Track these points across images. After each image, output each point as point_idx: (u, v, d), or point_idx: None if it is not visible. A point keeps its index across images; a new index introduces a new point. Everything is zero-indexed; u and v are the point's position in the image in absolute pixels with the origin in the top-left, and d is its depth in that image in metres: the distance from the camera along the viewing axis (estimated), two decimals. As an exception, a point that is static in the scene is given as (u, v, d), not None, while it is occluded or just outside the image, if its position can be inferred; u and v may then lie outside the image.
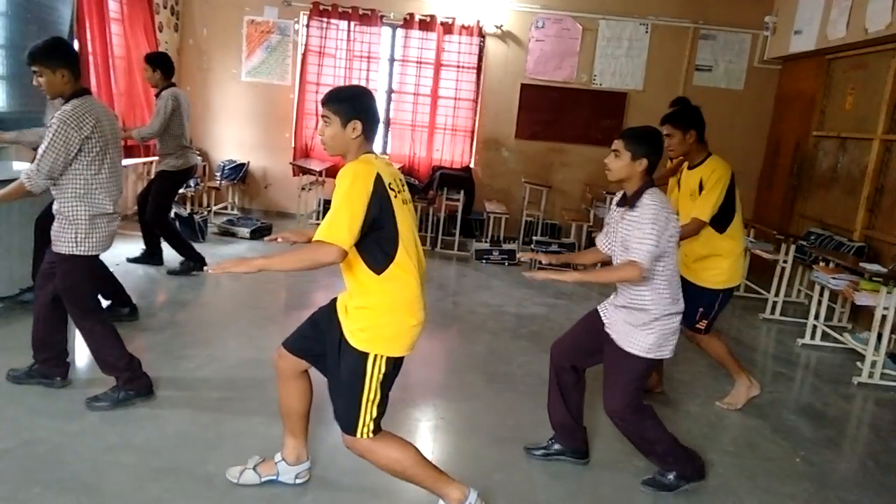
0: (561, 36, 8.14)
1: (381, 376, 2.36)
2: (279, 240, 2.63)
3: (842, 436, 3.93)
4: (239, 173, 8.35)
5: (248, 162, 8.47)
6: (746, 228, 6.95)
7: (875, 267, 4.94)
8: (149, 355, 3.95)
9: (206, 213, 7.73)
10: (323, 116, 2.36)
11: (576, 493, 2.95)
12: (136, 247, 5.83)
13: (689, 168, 3.81)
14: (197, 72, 8.33)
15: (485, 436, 3.37)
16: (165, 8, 7.80)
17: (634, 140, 2.82)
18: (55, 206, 3.16)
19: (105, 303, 4.33)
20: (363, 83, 8.18)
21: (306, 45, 8.16)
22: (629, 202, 2.84)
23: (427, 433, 3.37)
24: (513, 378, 4.13)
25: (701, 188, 3.68)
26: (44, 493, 2.56)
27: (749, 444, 3.62)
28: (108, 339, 3.25)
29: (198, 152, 5.78)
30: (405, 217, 2.34)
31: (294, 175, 8.03)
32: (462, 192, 7.59)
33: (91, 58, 6.16)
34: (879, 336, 4.63)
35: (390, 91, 8.45)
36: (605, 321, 2.98)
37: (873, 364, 4.65)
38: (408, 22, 8.06)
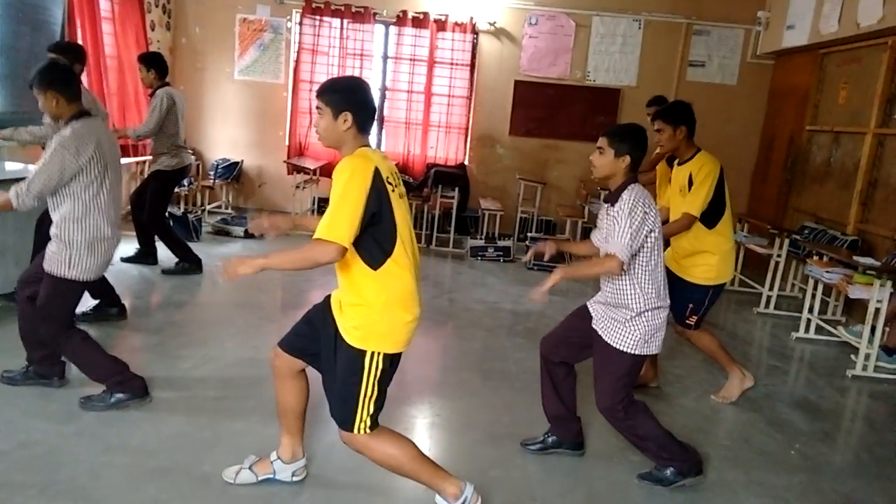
0: (555, 32, 8.14)
1: (378, 373, 2.36)
2: (256, 234, 2.65)
3: (836, 428, 3.95)
4: (233, 172, 8.33)
5: (242, 161, 8.46)
6: (740, 223, 7.00)
7: (868, 260, 4.96)
8: (144, 356, 3.96)
9: (200, 212, 7.72)
10: (317, 107, 2.35)
11: (572, 488, 2.97)
12: (131, 246, 5.81)
13: (679, 164, 3.83)
14: (190, 71, 8.30)
15: (481, 432, 3.38)
16: (157, 6, 7.78)
17: (618, 137, 2.85)
18: (52, 229, 3.11)
19: (93, 302, 4.34)
20: (357, 81, 8.16)
21: (299, 43, 8.14)
22: (611, 198, 2.88)
23: (423, 430, 3.37)
24: (508, 375, 4.14)
25: (690, 184, 3.70)
26: (40, 495, 2.55)
27: (744, 437, 3.64)
28: (85, 350, 3.22)
29: (192, 151, 5.76)
30: (402, 212, 2.34)
31: (288, 173, 8.02)
32: (457, 189, 7.59)
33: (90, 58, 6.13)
34: (873, 329, 4.65)
35: (384, 89, 8.44)
36: (592, 317, 3.00)
37: (867, 357, 4.67)
38: (401, 19, 8.05)
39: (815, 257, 5.41)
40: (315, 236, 2.20)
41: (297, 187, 7.73)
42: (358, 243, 2.26)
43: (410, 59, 8.17)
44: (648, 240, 2.80)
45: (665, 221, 3.70)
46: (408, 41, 8.12)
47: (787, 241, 6.19)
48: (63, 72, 3.18)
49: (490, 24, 8.08)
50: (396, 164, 8.02)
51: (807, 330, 5.45)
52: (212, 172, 8.27)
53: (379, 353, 2.34)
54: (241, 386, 3.66)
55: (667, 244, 3.69)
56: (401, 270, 2.33)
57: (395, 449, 2.45)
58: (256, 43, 8.30)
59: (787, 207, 7.45)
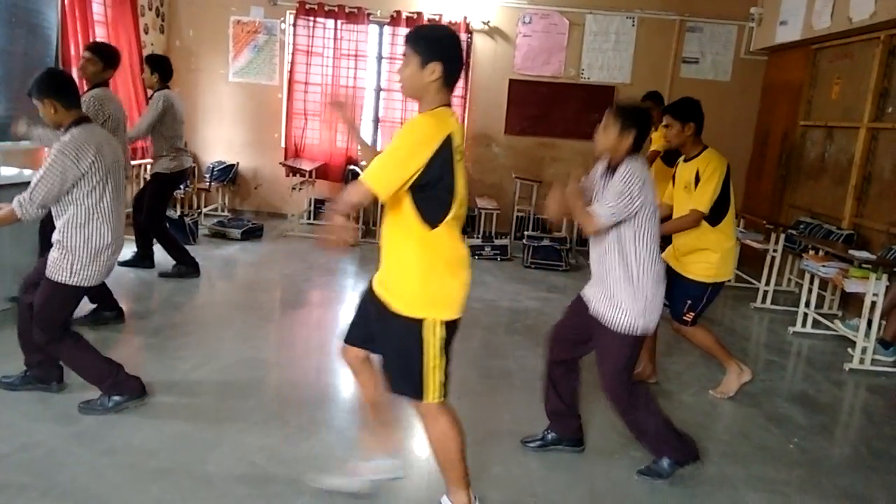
0: (548, 31, 8.16)
1: (438, 340, 2.32)
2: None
3: (834, 422, 3.97)
4: (228, 174, 8.33)
5: (238, 163, 8.45)
6: (737, 219, 7.01)
7: (864, 254, 4.99)
8: (143, 358, 3.96)
9: (196, 215, 7.71)
10: (403, 54, 2.26)
11: (573, 484, 2.98)
12: (129, 250, 5.79)
13: (685, 161, 3.84)
14: (184, 73, 8.27)
15: (481, 430, 3.38)
16: (151, 10, 7.77)
17: (624, 115, 2.85)
18: (55, 235, 3.11)
19: (90, 306, 4.32)
20: (351, 81, 8.18)
21: (294, 44, 8.14)
22: (610, 169, 2.89)
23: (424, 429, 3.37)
24: (508, 373, 4.15)
25: (697, 181, 3.70)
26: (42, 497, 2.55)
27: (743, 432, 3.65)
28: (78, 352, 3.20)
29: (190, 155, 5.76)
30: (462, 181, 2.30)
31: (286, 175, 8.02)
32: (453, 188, 7.57)
33: (74, 62, 6.11)
34: (869, 322, 4.68)
35: (378, 89, 8.44)
36: (588, 304, 3.00)
37: (864, 350, 4.70)
38: (395, 19, 8.06)
39: (811, 252, 5.44)
40: (361, 177, 2.18)
41: (294, 189, 7.73)
42: (418, 202, 2.22)
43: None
44: (642, 212, 2.79)
45: (665, 218, 3.71)
46: (402, 41, 8.08)
47: (782, 237, 6.22)
48: (59, 79, 3.17)
49: (484, 23, 8.09)
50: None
51: (804, 324, 5.47)
52: (207, 175, 8.26)
53: (436, 320, 2.31)
54: (241, 386, 3.66)
55: (667, 242, 3.70)
56: (453, 235, 2.30)
57: (453, 433, 2.44)
58: (250, 45, 8.29)
59: (782, 203, 7.47)
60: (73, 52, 6.08)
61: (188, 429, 3.13)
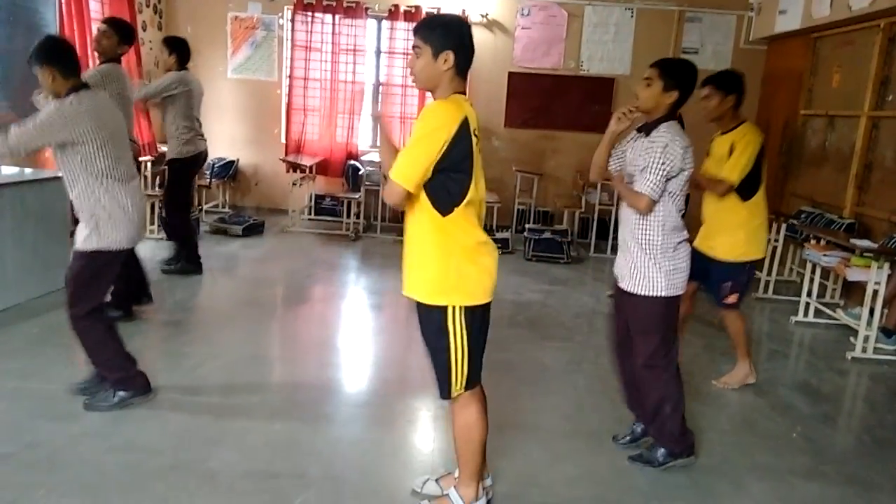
0: (547, 23, 8.13)
1: (461, 328, 2.30)
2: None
3: (837, 410, 3.98)
4: (229, 171, 8.32)
5: (238, 159, 8.45)
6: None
7: (865, 243, 4.98)
8: (147, 354, 3.94)
9: (197, 211, 7.71)
10: (414, 47, 2.26)
11: (576, 474, 2.98)
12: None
13: (721, 134, 3.81)
14: (183, 70, 8.27)
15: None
16: (148, 6, 7.75)
17: (670, 70, 2.80)
18: (76, 208, 3.13)
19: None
20: (350, 76, 8.17)
21: (292, 39, 8.12)
22: (647, 129, 2.84)
23: (428, 423, 3.38)
24: (511, 365, 4.15)
25: (731, 153, 3.68)
26: (48, 495, 2.56)
27: (746, 421, 3.66)
28: (104, 340, 3.21)
29: (204, 138, 5.61)
30: (479, 166, 2.30)
31: (286, 171, 8.02)
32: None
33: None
34: (871, 311, 4.67)
35: (378, 84, 8.42)
36: (618, 280, 3.00)
37: (866, 339, 4.70)
38: (393, 13, 8.04)
39: (813, 241, 5.43)
40: (390, 175, 2.20)
41: (294, 184, 7.72)
42: (430, 186, 2.23)
43: (404, 54, 8.15)
44: (679, 178, 2.78)
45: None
46: (401, 35, 8.09)
47: (784, 226, 6.21)
48: (59, 47, 3.17)
49: (482, 15, 8.07)
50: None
51: (806, 314, 5.47)
52: (208, 172, 8.25)
53: (457, 307, 2.30)
54: (245, 383, 3.67)
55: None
56: (468, 221, 2.29)
57: (476, 425, 2.44)
58: (249, 41, 8.28)
59: (783, 192, 7.46)
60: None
61: (192, 425, 3.14)
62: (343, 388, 3.84)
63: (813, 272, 5.41)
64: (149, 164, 6.91)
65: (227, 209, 8.31)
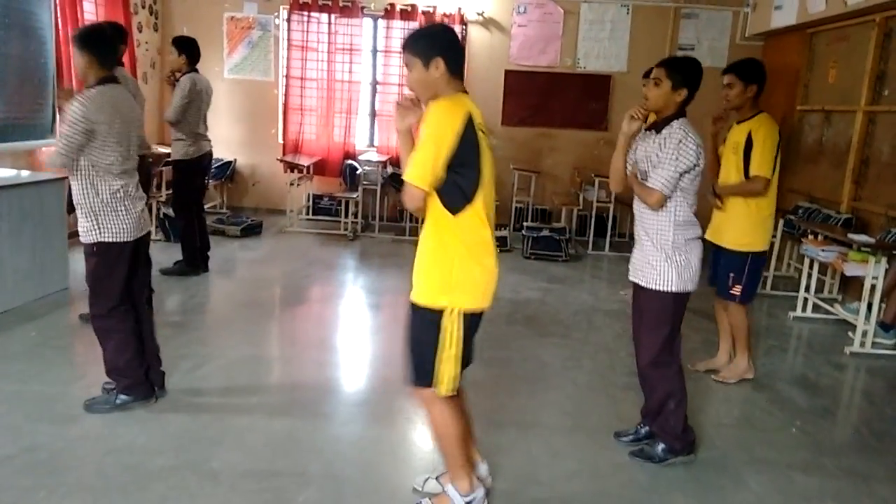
0: (543, 20, 8.13)
1: (455, 330, 2.31)
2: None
3: (836, 405, 3.99)
4: (226, 171, 8.31)
5: (235, 160, 8.44)
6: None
7: (863, 237, 4.99)
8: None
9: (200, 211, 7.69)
10: (405, 64, 2.31)
11: (577, 470, 2.99)
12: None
13: (738, 122, 3.84)
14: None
15: (484, 420, 3.38)
16: (144, 7, 7.74)
17: (677, 69, 2.83)
18: (75, 202, 3.13)
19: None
20: (346, 75, 8.16)
21: (288, 39, 8.11)
22: (658, 126, 2.86)
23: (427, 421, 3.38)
24: (510, 362, 4.16)
25: (748, 144, 3.70)
26: (49, 497, 2.56)
27: (745, 416, 3.67)
28: (120, 340, 3.20)
29: (209, 140, 5.58)
30: (488, 162, 2.32)
31: (283, 171, 8.01)
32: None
33: (68, 63, 6.08)
34: (869, 305, 4.69)
35: (374, 83, 8.42)
36: (630, 276, 3.02)
37: (864, 334, 4.71)
38: (389, 12, 8.03)
39: (811, 236, 5.44)
40: (404, 177, 2.23)
41: (292, 184, 7.72)
42: (440, 187, 2.24)
43: (400, 53, 8.13)
44: (691, 173, 2.80)
45: None
46: (397, 34, 8.09)
47: (781, 222, 6.22)
48: (104, 37, 3.20)
49: (478, 14, 8.06)
50: (390, 158, 8.03)
51: (804, 309, 5.48)
52: (205, 172, 8.24)
53: (455, 310, 2.30)
54: (244, 383, 3.67)
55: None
56: (479, 221, 2.30)
57: (451, 420, 2.43)
58: (245, 41, 8.27)
59: (780, 188, 7.42)
60: (62, 51, 6.07)
61: (193, 426, 3.14)
62: (342, 387, 3.84)
63: (811, 267, 5.42)
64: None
65: (224, 210, 8.31)
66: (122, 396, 3.23)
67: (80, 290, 4.81)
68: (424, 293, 2.35)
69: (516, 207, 8.23)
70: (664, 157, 2.76)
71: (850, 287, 5.83)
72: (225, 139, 8.39)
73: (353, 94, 8.23)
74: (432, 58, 2.25)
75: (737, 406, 3.79)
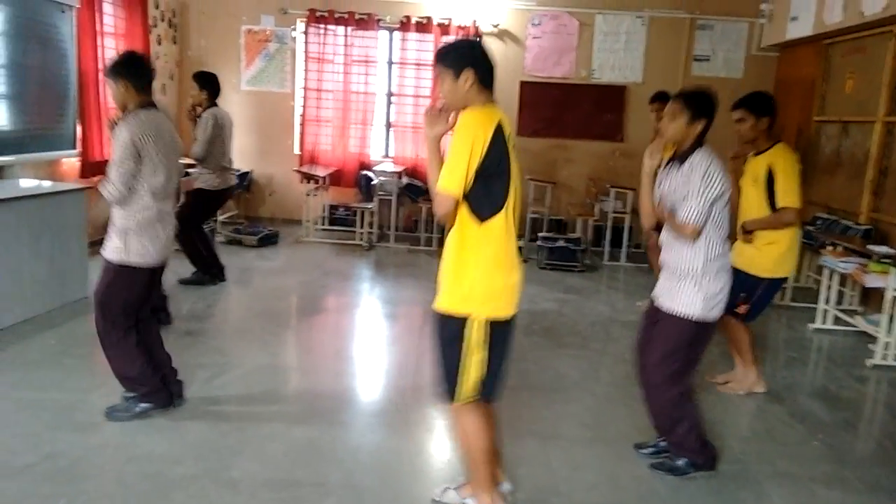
0: (558, 32, 8.15)
1: (479, 339, 2.32)
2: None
3: (858, 417, 3.94)
4: (243, 182, 8.36)
5: (252, 170, 8.50)
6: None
7: (883, 248, 4.94)
8: (165, 365, 3.98)
9: (213, 222, 7.75)
10: (438, 76, 2.36)
11: (597, 483, 2.97)
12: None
13: (755, 154, 3.83)
14: (197, 83, 8.34)
15: (504, 432, 3.37)
16: (163, 21, 7.83)
17: (693, 101, 2.83)
18: (111, 220, 3.17)
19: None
20: (362, 87, 8.21)
21: (305, 51, 8.18)
22: (679, 157, 2.87)
23: (445, 431, 3.36)
24: (527, 374, 4.14)
25: (770, 176, 3.70)
26: (70, 505, 2.58)
27: (766, 429, 3.63)
28: (126, 352, 3.22)
29: (235, 172, 5.71)
30: (516, 173, 2.34)
31: (300, 182, 8.06)
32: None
33: (89, 75, 6.15)
34: (891, 317, 4.63)
35: (390, 94, 8.47)
36: (655, 295, 3.01)
37: (886, 346, 4.65)
38: (404, 25, 8.08)
39: (829, 248, 5.39)
40: (436, 187, 2.25)
41: (308, 195, 7.76)
42: (469, 194, 2.27)
43: (416, 64, 8.19)
44: (720, 202, 2.80)
45: None
46: (412, 46, 8.14)
47: (799, 233, 6.16)
48: (137, 63, 3.25)
49: (493, 26, 8.10)
50: (406, 169, 8.06)
51: (824, 321, 5.43)
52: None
53: (478, 319, 2.31)
54: (263, 393, 3.68)
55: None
56: (504, 230, 2.32)
57: (479, 433, 2.43)
58: (262, 53, 8.34)
59: (797, 199, 7.40)
60: (92, 65, 6.15)
61: (211, 435, 3.15)
62: (360, 396, 3.84)
63: (830, 279, 5.37)
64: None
65: (242, 220, 8.35)
66: (142, 404, 3.25)
67: (100, 299, 4.86)
68: (447, 301, 2.36)
69: (532, 218, 8.20)
70: (692, 190, 2.77)
71: (871, 298, 5.77)
72: (242, 150, 8.45)
73: (368, 105, 8.27)
74: (462, 69, 2.30)
75: (758, 419, 3.75)
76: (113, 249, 3.13)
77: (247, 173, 8.41)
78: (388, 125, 8.50)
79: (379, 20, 8.10)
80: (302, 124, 8.34)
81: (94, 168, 6.21)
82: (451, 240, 2.38)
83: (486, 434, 2.46)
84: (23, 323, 4.41)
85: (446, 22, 8.03)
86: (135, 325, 3.25)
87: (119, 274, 3.14)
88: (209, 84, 5.44)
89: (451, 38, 8.01)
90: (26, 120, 5.26)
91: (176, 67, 8.20)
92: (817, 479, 3.10)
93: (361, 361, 4.41)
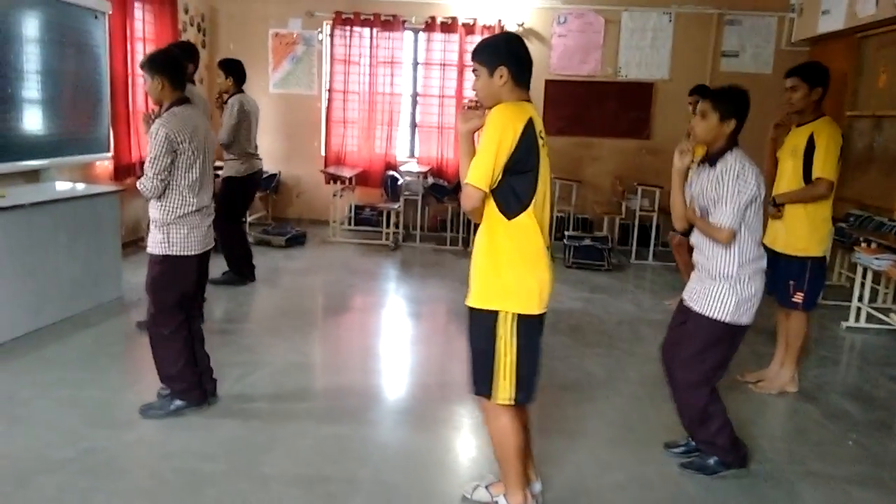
0: (584, 30, 8.11)
1: (512, 336, 2.32)
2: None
3: (893, 417, 3.86)
4: (271, 183, 8.45)
5: (280, 172, 8.59)
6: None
7: (919, 245, 4.85)
8: (197, 364, 4.05)
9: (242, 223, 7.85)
10: (473, 70, 2.38)
11: (625, 481, 2.96)
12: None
13: (798, 125, 3.78)
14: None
15: (531, 430, 3.38)
16: (192, 25, 7.95)
17: (723, 100, 2.80)
18: (151, 214, 3.25)
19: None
20: (388, 88, 8.26)
21: (331, 54, 8.25)
22: (710, 159, 2.84)
23: (472, 430, 3.38)
24: (554, 372, 4.13)
25: (809, 147, 3.64)
26: (108, 500, 2.64)
27: (798, 429, 3.59)
28: (173, 349, 3.28)
29: (261, 158, 5.79)
30: (546, 170, 2.35)
31: (326, 183, 8.12)
32: (492, 191, 7.58)
33: (120, 79, 6.26)
34: (927, 315, 4.54)
35: (415, 95, 8.50)
36: (686, 297, 2.99)
37: (922, 344, 4.57)
38: (430, 25, 8.10)
39: (863, 244, 5.30)
40: (465, 181, 2.27)
41: (335, 196, 7.82)
42: (496, 190, 2.28)
43: (441, 65, 8.21)
44: (754, 205, 2.77)
45: None
46: (437, 47, 8.16)
47: (832, 230, 6.06)
48: (173, 59, 3.34)
49: (518, 25, 8.09)
50: (430, 169, 8.08)
51: (857, 319, 5.34)
52: (250, 185, 8.39)
53: (510, 314, 2.32)
54: (293, 390, 3.72)
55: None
56: (533, 227, 2.32)
57: (510, 431, 2.43)
58: (289, 56, 8.43)
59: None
60: (123, 70, 6.26)
61: (243, 433, 3.20)
62: (387, 394, 3.87)
63: (864, 276, 5.28)
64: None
65: (270, 221, 8.45)
66: (177, 402, 3.31)
67: (134, 298, 4.97)
68: (478, 297, 2.37)
69: (557, 217, 8.19)
70: (724, 193, 2.74)
71: (906, 297, 5.66)
72: (270, 152, 8.53)
73: (394, 106, 8.32)
74: (496, 66, 2.31)
75: (790, 418, 3.71)
76: (155, 243, 3.21)
77: (275, 175, 8.49)
78: (414, 126, 8.53)
79: (404, 21, 8.13)
80: (328, 125, 8.41)
81: (126, 171, 6.33)
82: (480, 236, 2.40)
83: (519, 433, 2.46)
84: (60, 322, 4.52)
85: (471, 22, 8.03)
86: (185, 321, 3.31)
87: (165, 265, 3.22)
88: (234, 71, 5.47)
89: (476, 39, 8.02)
90: (61, 124, 5.37)
91: (205, 71, 8.30)
92: (851, 480, 3.05)
93: (388, 359, 4.44)
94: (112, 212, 5.13)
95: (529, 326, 2.36)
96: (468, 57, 8.04)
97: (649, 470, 3.06)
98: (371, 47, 8.21)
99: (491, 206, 2.31)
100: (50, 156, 5.22)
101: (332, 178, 7.91)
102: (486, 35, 7.91)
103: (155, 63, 3.25)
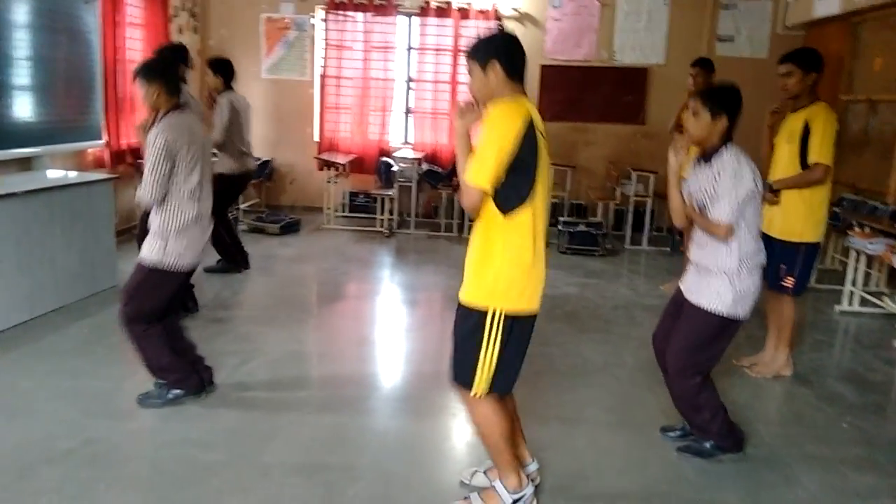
0: (579, 13, 8.07)
1: (499, 334, 2.32)
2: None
3: (887, 400, 3.91)
4: (264, 170, 8.40)
5: (273, 159, 8.54)
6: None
7: (913, 229, 4.88)
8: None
9: (235, 211, 7.82)
10: (468, 70, 2.37)
11: (624, 467, 2.98)
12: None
13: (793, 111, 3.79)
14: (218, 72, 8.37)
15: (528, 416, 3.36)
16: (184, 10, 7.87)
17: (713, 98, 2.81)
18: (150, 222, 3.21)
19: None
20: (382, 73, 8.21)
21: (325, 38, 8.18)
22: (705, 156, 2.85)
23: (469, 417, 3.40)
24: (551, 358, 4.15)
25: (805, 132, 3.65)
26: (109, 490, 2.64)
27: (794, 412, 3.62)
28: (155, 343, 3.26)
29: (255, 158, 5.73)
30: (545, 166, 2.34)
31: (319, 169, 8.09)
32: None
33: (112, 65, 6.20)
34: (920, 299, 4.58)
35: (409, 80, 8.45)
36: (683, 289, 3.00)
37: (915, 327, 4.60)
38: (424, 10, 8.04)
39: (857, 228, 5.33)
40: (465, 178, 2.26)
41: (329, 182, 7.79)
42: (496, 187, 2.26)
43: (435, 50, 8.16)
44: (753, 203, 2.79)
45: None
46: (431, 31, 8.11)
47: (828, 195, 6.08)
48: (168, 65, 3.30)
49: (513, 9, 8.03)
50: (425, 155, 8.06)
51: (850, 303, 5.38)
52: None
53: (499, 312, 2.32)
54: (290, 379, 3.73)
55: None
56: (529, 225, 2.31)
57: (494, 420, 2.44)
58: (282, 41, 8.36)
59: (824, 179, 7.30)
60: (114, 56, 6.19)
61: (243, 421, 3.21)
62: (385, 382, 3.88)
63: (857, 260, 5.31)
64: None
65: (263, 208, 8.41)
66: (174, 391, 3.31)
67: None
68: (470, 293, 2.37)
69: (552, 202, 8.19)
70: (722, 189, 2.74)
71: (899, 280, 5.70)
72: (263, 139, 8.50)
73: (388, 91, 8.27)
74: (489, 61, 2.31)
75: (785, 402, 3.74)
76: (150, 250, 3.15)
77: (268, 161, 8.45)
78: (408, 111, 8.49)
79: (398, 6, 8.07)
80: (321, 111, 8.36)
81: (120, 157, 6.28)
82: (476, 232, 2.39)
83: (503, 420, 2.47)
84: (55, 312, 4.50)
85: (466, 6, 7.98)
86: (159, 319, 3.28)
87: (153, 276, 3.17)
88: (223, 69, 5.45)
89: (470, 23, 7.98)
90: (53, 111, 5.33)
91: (197, 57, 8.21)
92: (847, 462, 3.09)
93: (385, 347, 4.45)
94: (107, 200, 5.10)
95: (518, 325, 2.37)
96: (463, 42, 8.04)
97: (647, 454, 3.09)
98: (364, 32, 8.15)
99: (488, 203, 2.29)
100: (42, 143, 5.18)
101: (326, 165, 7.87)
102: (481, 19, 7.92)
103: (150, 71, 3.19)
